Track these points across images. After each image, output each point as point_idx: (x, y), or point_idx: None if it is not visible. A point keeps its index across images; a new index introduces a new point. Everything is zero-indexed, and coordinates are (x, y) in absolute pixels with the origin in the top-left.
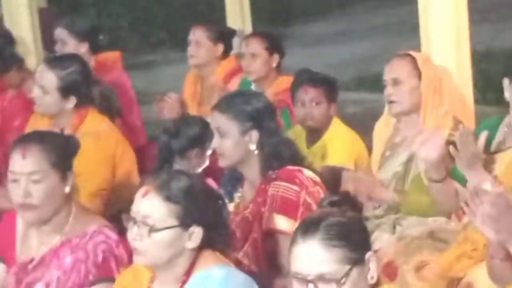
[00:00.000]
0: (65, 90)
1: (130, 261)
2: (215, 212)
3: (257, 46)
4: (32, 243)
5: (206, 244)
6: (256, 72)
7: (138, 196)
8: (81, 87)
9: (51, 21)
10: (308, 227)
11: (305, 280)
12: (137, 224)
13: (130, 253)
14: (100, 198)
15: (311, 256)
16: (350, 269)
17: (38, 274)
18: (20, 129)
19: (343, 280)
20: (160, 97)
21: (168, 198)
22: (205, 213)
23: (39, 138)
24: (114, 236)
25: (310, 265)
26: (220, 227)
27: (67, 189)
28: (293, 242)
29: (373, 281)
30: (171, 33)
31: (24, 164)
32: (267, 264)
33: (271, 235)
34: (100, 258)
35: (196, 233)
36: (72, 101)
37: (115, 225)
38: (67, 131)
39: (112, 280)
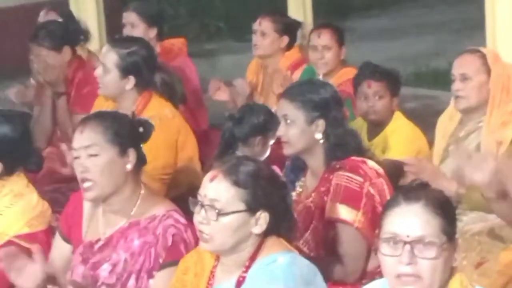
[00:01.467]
0: (125, 70)
1: (196, 246)
2: (281, 199)
3: (330, 38)
4: (98, 224)
5: (272, 230)
6: (329, 64)
7: (206, 180)
8: (141, 69)
9: (116, 8)
10: (412, 191)
11: (402, 242)
12: (204, 208)
13: (197, 238)
14: (161, 182)
15: (415, 218)
16: (447, 240)
17: (104, 254)
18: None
19: (444, 245)
20: (216, 81)
21: (236, 183)
22: (272, 198)
23: (99, 115)
24: (182, 220)
25: (412, 226)
26: (285, 213)
27: (129, 167)
28: (393, 204)
29: (456, 264)
30: (231, 22)
31: (82, 138)
32: (327, 253)
33: (332, 224)
34: (170, 241)
35: (263, 218)
36: (131, 82)
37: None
38: None
39: (176, 264)
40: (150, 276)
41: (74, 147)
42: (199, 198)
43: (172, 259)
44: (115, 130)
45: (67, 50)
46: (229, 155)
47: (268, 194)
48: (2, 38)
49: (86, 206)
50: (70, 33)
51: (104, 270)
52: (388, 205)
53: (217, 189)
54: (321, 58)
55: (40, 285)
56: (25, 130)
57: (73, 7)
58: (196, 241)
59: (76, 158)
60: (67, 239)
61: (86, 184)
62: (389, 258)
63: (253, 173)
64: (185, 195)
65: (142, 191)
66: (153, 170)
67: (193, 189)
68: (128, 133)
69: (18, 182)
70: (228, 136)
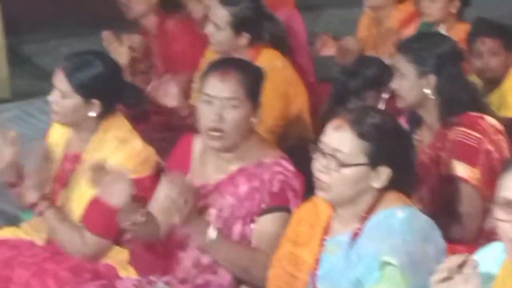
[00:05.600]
0: (238, 26)
1: (303, 196)
2: (405, 154)
3: None
4: (208, 169)
5: (392, 185)
6: (433, 14)
7: (329, 127)
8: (254, 23)
9: None
10: None
11: None
12: (325, 157)
13: (304, 188)
14: (273, 133)
15: None
16: None
17: (211, 199)
18: (180, 53)
19: None
20: (324, 36)
21: (361, 135)
22: (396, 154)
23: (237, 64)
24: (291, 168)
25: None
26: (408, 169)
27: (254, 120)
28: (509, 167)
29: None
30: None
31: (222, 88)
32: (442, 210)
33: (448, 181)
34: (275, 187)
35: (384, 173)
36: (245, 37)
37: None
38: None
39: (287, 210)
40: (253, 221)
41: (211, 94)
42: (320, 145)
43: (277, 203)
44: (252, 83)
45: None
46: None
47: (392, 149)
48: None
49: (196, 150)
50: None
51: (210, 215)
52: (505, 168)
53: (340, 139)
54: (427, 7)
55: (130, 204)
56: (117, 66)
57: None
58: (304, 192)
59: (207, 102)
60: None
61: (216, 133)
62: (503, 223)
63: (379, 126)
64: (294, 147)
65: (254, 139)
66: (267, 122)
67: (303, 141)
68: (258, 86)
69: (122, 128)
70: (340, 89)
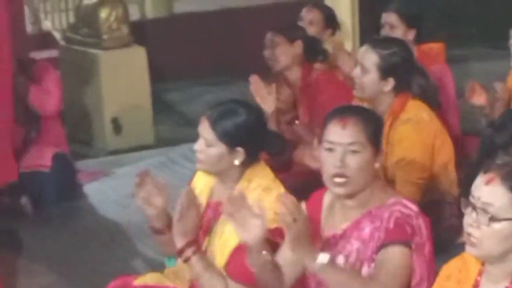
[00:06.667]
0: (385, 70)
1: (428, 236)
2: None
3: None
4: (335, 218)
5: None
6: None
7: (480, 182)
8: (401, 70)
9: (371, 7)
10: None
11: None
12: (476, 211)
13: (429, 228)
14: (417, 186)
15: None
16: None
17: (339, 247)
18: (324, 104)
19: None
20: (474, 83)
21: None
22: None
23: (357, 111)
24: (413, 207)
25: None
26: None
27: (377, 165)
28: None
29: None
30: (483, 28)
31: (344, 134)
32: None
33: None
34: (392, 223)
35: None
36: (390, 83)
37: (427, 213)
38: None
39: (405, 244)
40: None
41: (333, 140)
42: (471, 199)
43: (393, 238)
44: (373, 128)
45: (299, 44)
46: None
47: None
48: (251, 37)
49: (326, 202)
50: (311, 42)
51: (338, 262)
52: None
53: (491, 193)
54: None
55: (259, 242)
56: (261, 114)
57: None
58: (428, 232)
59: (329, 150)
60: None
61: (339, 180)
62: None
63: None
64: (439, 201)
65: (377, 184)
66: (409, 173)
67: (448, 195)
68: (379, 131)
69: (265, 176)
70: (487, 144)
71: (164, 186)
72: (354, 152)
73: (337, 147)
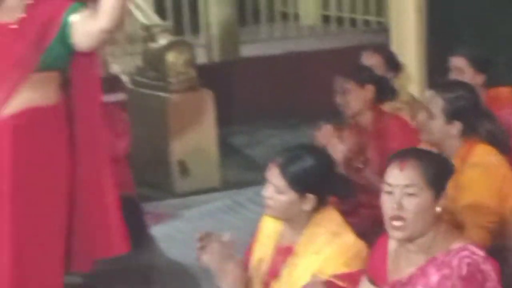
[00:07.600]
0: (451, 114)
1: (498, 280)
2: None
3: None
4: (400, 263)
5: None
6: None
7: None
8: (467, 114)
9: (439, 50)
10: None
11: None
12: None
13: (498, 273)
14: (486, 230)
15: None
16: None
17: None
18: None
19: None
20: None
21: None
22: None
23: (417, 153)
24: (480, 252)
25: None
26: None
27: (438, 210)
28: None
29: None
30: None
31: (401, 176)
32: None
33: None
34: (464, 271)
35: None
36: (456, 127)
37: (504, 258)
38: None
39: None
40: None
41: (390, 183)
42: None
43: (468, 286)
44: (433, 172)
45: (370, 88)
46: None
47: None
48: (316, 80)
49: (391, 247)
50: (380, 81)
51: None
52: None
53: None
54: None
55: None
56: (330, 159)
57: (394, 50)
58: (499, 277)
59: (388, 192)
60: (372, 281)
61: (397, 223)
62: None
63: None
64: (505, 246)
65: (441, 229)
66: (478, 217)
67: None
68: (442, 175)
69: (334, 221)
70: None
71: (231, 245)
72: (410, 194)
73: (394, 189)
